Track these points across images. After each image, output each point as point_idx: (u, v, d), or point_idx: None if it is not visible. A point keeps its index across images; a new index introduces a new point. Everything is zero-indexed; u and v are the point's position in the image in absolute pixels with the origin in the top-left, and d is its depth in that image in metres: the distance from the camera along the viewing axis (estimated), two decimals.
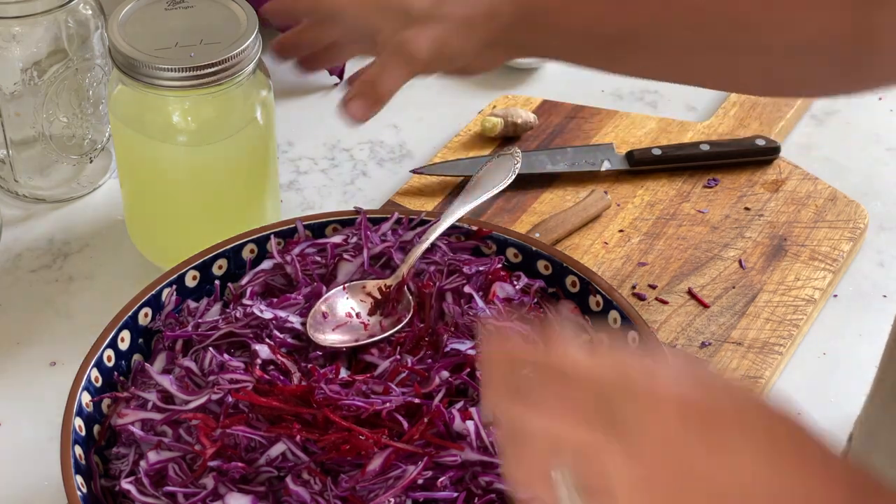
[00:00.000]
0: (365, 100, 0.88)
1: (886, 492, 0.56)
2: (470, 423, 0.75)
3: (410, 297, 0.85)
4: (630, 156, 1.10)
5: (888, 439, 0.79)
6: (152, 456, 0.76)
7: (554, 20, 0.87)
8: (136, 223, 1.02)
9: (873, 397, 0.82)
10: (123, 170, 0.99)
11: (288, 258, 0.88)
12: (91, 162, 1.08)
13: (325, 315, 0.84)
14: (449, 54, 0.88)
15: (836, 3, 0.81)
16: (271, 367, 0.81)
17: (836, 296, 1.01)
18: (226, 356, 0.82)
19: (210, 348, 0.82)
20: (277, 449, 0.76)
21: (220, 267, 0.88)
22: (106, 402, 0.81)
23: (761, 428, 0.56)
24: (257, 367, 0.80)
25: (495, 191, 0.93)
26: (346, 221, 0.91)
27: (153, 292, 0.85)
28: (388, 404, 0.76)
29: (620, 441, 0.54)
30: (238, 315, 0.84)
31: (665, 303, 0.98)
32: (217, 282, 0.88)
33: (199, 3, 0.94)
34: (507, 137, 1.13)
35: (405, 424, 0.76)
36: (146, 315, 0.85)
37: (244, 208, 0.97)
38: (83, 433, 0.78)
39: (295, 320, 0.84)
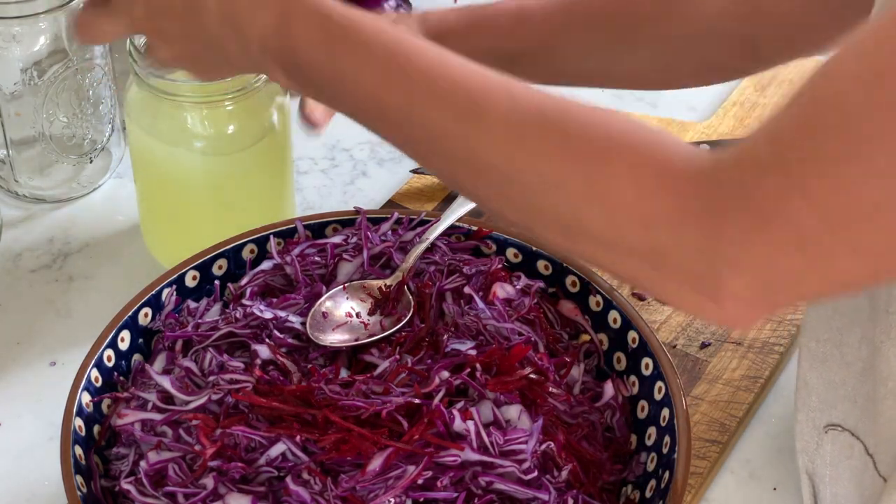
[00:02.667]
0: (321, 108, 0.89)
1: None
2: (470, 423, 0.75)
3: (410, 297, 0.85)
4: None
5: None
6: (152, 456, 0.76)
7: (460, 45, 0.87)
8: (151, 228, 1.02)
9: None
10: (139, 174, 0.99)
11: (288, 258, 0.88)
12: (91, 162, 1.08)
13: (325, 315, 0.84)
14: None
15: None
16: (271, 367, 0.81)
17: None
18: (225, 356, 0.82)
19: (210, 348, 0.82)
20: (277, 449, 0.76)
21: (220, 267, 0.88)
22: (106, 402, 0.81)
23: None
24: (257, 367, 0.80)
25: None
26: (346, 221, 0.91)
27: (153, 292, 0.85)
28: (388, 404, 0.76)
29: None
30: (238, 315, 0.84)
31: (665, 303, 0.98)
32: (217, 282, 0.88)
33: None
34: None
35: (405, 424, 0.76)
36: (146, 315, 0.85)
37: (260, 210, 0.97)
38: (83, 433, 0.78)
39: (295, 320, 0.84)
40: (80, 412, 0.78)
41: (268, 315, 0.83)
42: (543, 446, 0.76)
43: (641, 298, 0.98)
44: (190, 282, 0.87)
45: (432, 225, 0.89)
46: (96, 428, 0.80)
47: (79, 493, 0.74)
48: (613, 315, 0.85)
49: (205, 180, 0.96)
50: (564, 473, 0.76)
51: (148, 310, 0.85)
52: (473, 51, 0.87)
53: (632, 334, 0.83)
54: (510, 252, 0.89)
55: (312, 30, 0.68)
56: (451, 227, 0.90)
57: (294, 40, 0.69)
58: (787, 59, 0.91)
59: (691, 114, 1.18)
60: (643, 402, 0.81)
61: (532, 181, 0.63)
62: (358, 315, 0.85)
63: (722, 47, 0.89)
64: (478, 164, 0.65)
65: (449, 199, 1.06)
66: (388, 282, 0.86)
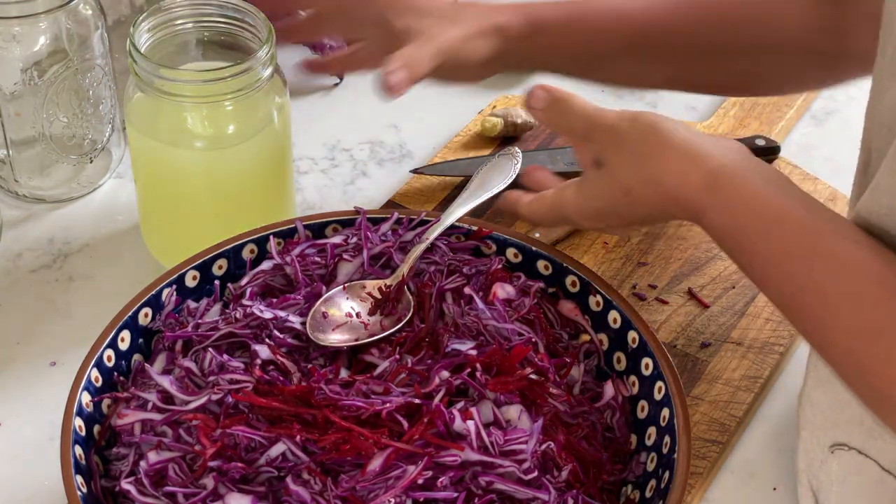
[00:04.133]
0: (405, 73, 0.90)
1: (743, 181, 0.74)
2: (470, 423, 0.75)
3: (410, 297, 0.85)
4: None
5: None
6: (152, 456, 0.76)
7: (556, 39, 0.94)
8: (151, 228, 1.02)
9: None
10: (139, 173, 0.99)
11: (287, 259, 0.88)
12: (91, 162, 1.08)
13: (325, 315, 0.84)
14: (461, 59, 0.94)
15: (822, 5, 0.90)
16: (271, 367, 0.81)
17: None
18: (225, 356, 0.82)
19: (210, 349, 0.82)
20: (277, 449, 0.76)
21: (220, 267, 0.88)
22: (106, 402, 0.81)
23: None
24: (257, 367, 0.80)
25: (495, 191, 0.93)
26: (346, 221, 0.91)
27: (153, 292, 0.85)
28: (388, 404, 0.76)
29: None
30: (238, 315, 0.84)
31: (665, 303, 0.98)
32: (217, 282, 0.88)
33: None
34: (507, 137, 1.13)
35: (405, 424, 0.76)
36: (146, 315, 0.85)
37: (261, 211, 0.97)
38: (83, 433, 0.78)
39: (295, 320, 0.84)
40: (80, 412, 0.78)
41: (268, 315, 0.83)
42: (543, 446, 0.76)
43: (642, 298, 0.98)
44: (190, 282, 0.87)
45: (432, 225, 0.89)
46: (96, 428, 0.80)
47: (79, 493, 0.74)
48: (613, 315, 0.85)
49: (205, 180, 0.96)
50: (564, 473, 0.76)
51: (148, 310, 0.85)
52: (565, 46, 0.95)
53: (632, 334, 0.83)
54: (510, 252, 0.89)
55: (732, 205, 0.75)
56: (451, 227, 0.90)
57: (719, 203, 0.76)
58: (862, 77, 0.93)
59: (691, 114, 1.18)
60: (643, 402, 0.81)
61: None
62: (358, 315, 0.85)
63: (801, 60, 0.93)
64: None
65: (449, 200, 1.06)
66: (387, 282, 0.86)
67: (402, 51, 0.91)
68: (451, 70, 0.95)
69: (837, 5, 0.91)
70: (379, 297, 0.86)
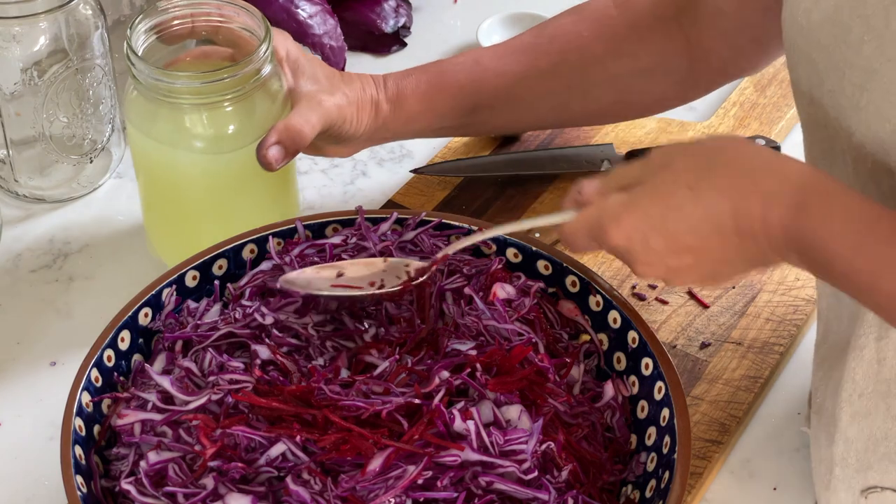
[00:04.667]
0: (280, 151, 0.91)
1: (833, 189, 0.69)
2: (470, 423, 0.75)
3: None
4: (630, 156, 1.10)
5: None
6: (152, 456, 0.76)
7: (419, 107, 0.98)
8: (154, 227, 1.01)
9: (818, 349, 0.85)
10: (140, 175, 0.99)
11: (287, 259, 0.88)
12: (91, 162, 1.08)
13: (340, 273, 0.85)
14: (343, 130, 0.96)
15: (670, 29, 0.95)
16: (271, 367, 0.81)
17: None
18: (225, 357, 0.82)
19: (210, 349, 0.82)
20: (277, 449, 0.76)
21: (220, 267, 0.88)
22: (106, 402, 0.81)
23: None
24: (257, 367, 0.80)
25: (552, 220, 0.81)
26: (346, 221, 0.91)
27: (153, 292, 0.85)
28: (388, 404, 0.76)
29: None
30: (237, 316, 0.84)
31: (665, 303, 0.98)
32: (217, 282, 0.88)
33: None
34: (508, 137, 1.13)
35: (405, 424, 0.76)
36: (146, 315, 0.85)
37: (262, 212, 0.96)
38: (83, 433, 0.78)
39: (294, 321, 0.84)
40: (80, 412, 0.78)
41: (268, 321, 0.83)
42: (543, 446, 0.76)
43: (642, 298, 0.98)
44: (190, 282, 0.87)
45: (474, 235, 0.86)
46: (96, 428, 0.80)
47: (79, 493, 0.74)
48: (613, 315, 0.85)
49: (205, 181, 0.95)
50: (564, 473, 0.76)
51: (148, 310, 0.85)
52: (435, 109, 0.97)
53: (632, 334, 0.83)
54: (510, 252, 0.89)
55: (831, 220, 0.68)
56: (451, 227, 0.90)
57: (811, 229, 0.69)
58: (720, 85, 1.00)
59: (691, 114, 1.18)
60: (643, 402, 0.81)
61: None
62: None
63: (666, 81, 0.98)
64: None
65: (449, 200, 1.06)
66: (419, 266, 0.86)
67: (285, 120, 0.91)
68: (331, 139, 0.96)
69: (680, 17, 0.95)
70: (412, 276, 0.85)
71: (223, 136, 0.93)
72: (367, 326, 0.85)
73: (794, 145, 1.15)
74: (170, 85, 0.89)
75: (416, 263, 0.86)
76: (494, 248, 0.90)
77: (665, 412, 0.79)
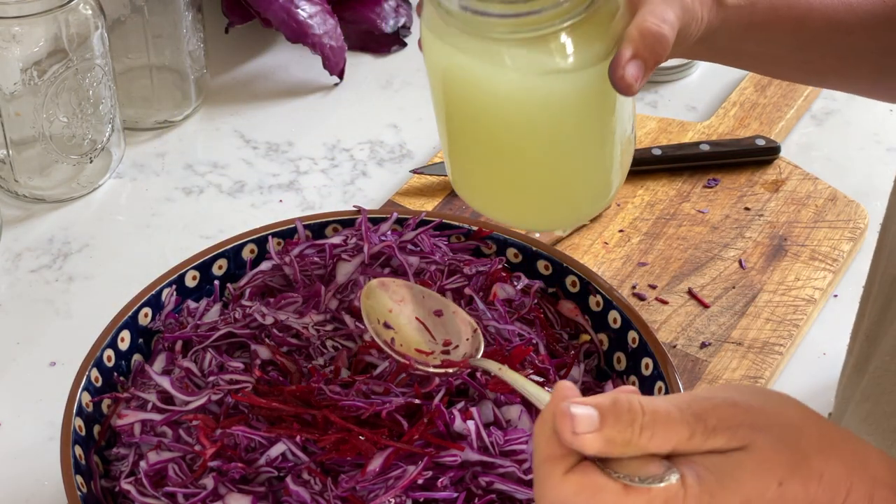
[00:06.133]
0: (639, 67, 0.71)
1: None
2: (470, 423, 0.75)
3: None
4: None
5: (855, 409, 0.79)
6: (152, 456, 0.76)
7: (767, 17, 0.78)
8: (455, 162, 0.82)
9: (844, 369, 0.82)
10: (435, 91, 0.79)
11: (287, 259, 0.88)
12: (91, 162, 1.08)
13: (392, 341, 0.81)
14: (687, 31, 0.75)
15: None
16: (271, 367, 0.81)
17: (836, 296, 1.01)
18: (225, 357, 0.82)
19: (210, 349, 0.82)
20: (277, 449, 0.76)
21: (220, 267, 0.88)
22: (106, 402, 0.81)
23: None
24: (257, 367, 0.80)
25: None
26: (346, 221, 0.91)
27: (153, 292, 0.85)
28: (388, 404, 0.76)
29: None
30: (237, 316, 0.84)
31: (665, 303, 0.98)
32: (217, 282, 0.88)
33: None
34: None
35: (405, 425, 0.76)
36: (146, 315, 0.85)
37: (585, 170, 0.78)
38: (83, 433, 0.78)
39: (295, 321, 0.84)
40: (80, 412, 0.78)
41: (268, 321, 0.83)
42: None
43: (642, 298, 0.98)
44: (190, 282, 0.87)
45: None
46: (96, 428, 0.80)
47: (79, 493, 0.74)
48: (613, 315, 0.85)
49: (517, 113, 0.75)
50: None
51: (148, 310, 0.85)
52: (776, 25, 0.79)
53: (632, 334, 0.83)
54: (510, 252, 0.89)
55: None
56: (451, 228, 0.90)
57: None
58: None
59: (691, 114, 1.18)
60: None
61: None
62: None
63: None
64: None
65: (449, 199, 1.06)
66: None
67: (637, 24, 0.71)
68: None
69: None
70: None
71: (548, 60, 0.72)
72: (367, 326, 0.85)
73: (794, 145, 1.15)
74: (481, 18, 0.71)
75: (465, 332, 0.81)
76: (494, 248, 0.90)
77: None
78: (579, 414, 0.55)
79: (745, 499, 0.56)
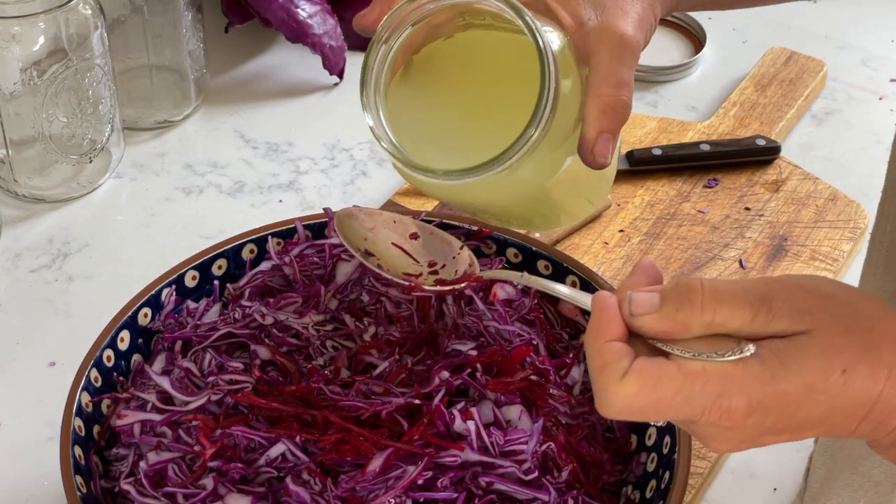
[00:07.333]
0: (610, 142, 0.68)
1: None
2: (470, 424, 0.75)
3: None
4: (630, 156, 1.10)
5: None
6: (152, 457, 0.76)
7: None
8: None
9: None
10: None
11: (286, 259, 0.88)
12: (91, 162, 1.08)
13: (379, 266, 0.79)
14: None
15: None
16: (271, 367, 0.81)
17: None
18: (225, 357, 0.82)
19: (209, 349, 0.82)
20: (277, 449, 0.75)
21: (219, 267, 0.88)
22: (106, 402, 0.81)
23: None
24: (257, 367, 0.80)
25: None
26: None
27: (153, 292, 0.85)
28: (387, 405, 0.76)
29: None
30: (237, 316, 0.84)
31: None
32: (216, 282, 0.88)
33: None
34: None
35: (405, 425, 0.76)
36: (146, 315, 0.85)
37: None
38: (83, 433, 0.78)
39: (294, 321, 0.84)
40: (79, 412, 0.78)
41: (268, 321, 0.83)
42: (544, 447, 0.76)
43: None
44: (189, 282, 0.87)
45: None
46: (96, 428, 0.80)
47: (79, 493, 0.74)
48: None
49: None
50: (565, 474, 0.76)
51: (148, 310, 0.85)
52: None
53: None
54: (510, 252, 0.89)
55: None
56: (452, 227, 0.89)
57: None
58: None
59: (691, 114, 1.18)
60: None
61: None
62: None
63: None
64: None
65: None
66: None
67: (594, 96, 0.67)
68: None
69: None
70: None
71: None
72: (366, 325, 0.85)
73: (794, 145, 1.15)
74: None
75: (463, 255, 0.79)
76: (494, 248, 0.90)
77: None
78: (638, 297, 0.56)
79: (807, 382, 0.54)
